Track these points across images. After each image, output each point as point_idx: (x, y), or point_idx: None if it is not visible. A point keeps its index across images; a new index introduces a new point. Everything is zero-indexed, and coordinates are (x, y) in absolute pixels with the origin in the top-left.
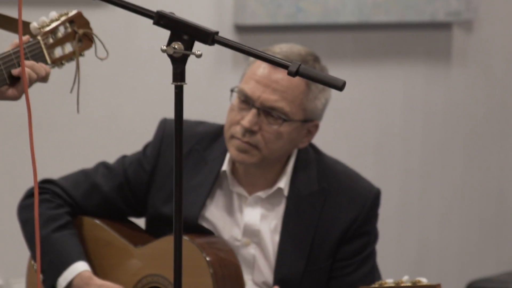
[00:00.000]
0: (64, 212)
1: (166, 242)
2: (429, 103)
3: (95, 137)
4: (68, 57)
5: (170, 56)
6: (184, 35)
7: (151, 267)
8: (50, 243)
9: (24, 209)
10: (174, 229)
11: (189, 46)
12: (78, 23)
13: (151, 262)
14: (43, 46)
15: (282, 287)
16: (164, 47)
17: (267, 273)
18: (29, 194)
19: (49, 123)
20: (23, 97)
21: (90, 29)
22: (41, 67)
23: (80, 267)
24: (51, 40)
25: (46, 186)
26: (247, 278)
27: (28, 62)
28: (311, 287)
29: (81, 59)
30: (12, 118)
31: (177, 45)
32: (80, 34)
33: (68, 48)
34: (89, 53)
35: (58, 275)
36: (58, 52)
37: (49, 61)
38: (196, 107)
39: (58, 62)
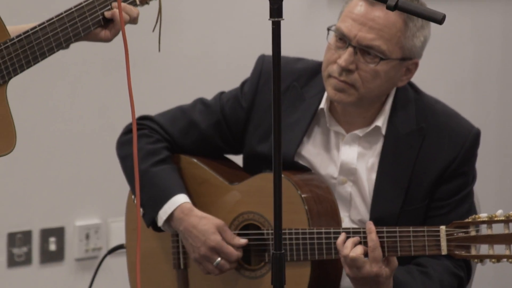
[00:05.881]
0: (163, 147)
1: (261, 179)
2: None
3: (192, 74)
4: None
5: None
6: None
7: (247, 204)
8: (150, 177)
9: (123, 145)
10: (274, 167)
11: None
12: None
13: (247, 199)
14: None
15: (379, 225)
16: None
17: (363, 211)
18: (127, 131)
19: (144, 61)
20: (117, 38)
21: None
22: (132, 8)
23: (181, 199)
24: None
25: (144, 123)
26: (344, 215)
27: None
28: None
29: None
30: (109, 57)
31: None
32: None
33: None
34: None
35: (159, 208)
36: None
37: (138, 1)
38: (292, 45)
39: (144, 2)
